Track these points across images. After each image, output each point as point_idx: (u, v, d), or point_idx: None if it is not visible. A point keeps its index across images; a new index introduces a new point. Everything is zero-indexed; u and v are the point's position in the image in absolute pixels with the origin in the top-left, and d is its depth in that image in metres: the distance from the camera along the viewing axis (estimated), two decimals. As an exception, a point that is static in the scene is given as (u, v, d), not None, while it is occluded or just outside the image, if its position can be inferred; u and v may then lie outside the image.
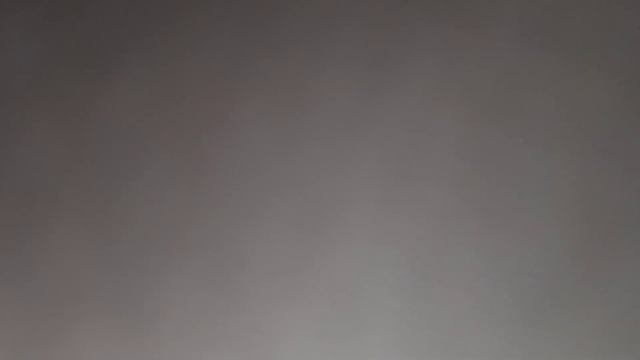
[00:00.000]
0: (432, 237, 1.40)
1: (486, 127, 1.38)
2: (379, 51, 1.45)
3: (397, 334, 1.40)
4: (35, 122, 1.64)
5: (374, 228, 1.42)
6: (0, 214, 1.65)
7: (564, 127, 1.35)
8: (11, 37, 1.68)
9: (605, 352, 1.30)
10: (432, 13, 1.42)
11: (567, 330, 1.32)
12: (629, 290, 1.30)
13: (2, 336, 1.62)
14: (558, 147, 1.35)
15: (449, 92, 1.41)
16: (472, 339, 1.36)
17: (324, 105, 1.47)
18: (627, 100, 1.32)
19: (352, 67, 1.46)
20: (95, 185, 1.59)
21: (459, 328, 1.37)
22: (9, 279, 1.63)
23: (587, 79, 1.34)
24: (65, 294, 1.59)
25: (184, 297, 1.52)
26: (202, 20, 1.56)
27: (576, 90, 1.35)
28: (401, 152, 1.42)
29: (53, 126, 1.63)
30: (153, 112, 1.58)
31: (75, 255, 1.59)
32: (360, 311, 1.42)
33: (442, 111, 1.41)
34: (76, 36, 1.63)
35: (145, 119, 1.58)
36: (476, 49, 1.40)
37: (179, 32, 1.57)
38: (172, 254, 1.54)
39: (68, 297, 1.59)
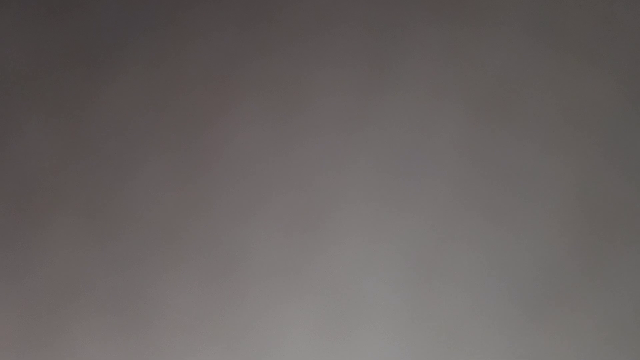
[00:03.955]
0: (431, 234, 1.40)
1: (485, 125, 1.39)
2: (378, 49, 1.45)
3: (395, 331, 1.40)
4: (33, 120, 1.64)
5: (372, 226, 1.43)
6: (-3, 211, 1.65)
7: (563, 125, 1.35)
8: (9, 33, 1.68)
9: (606, 349, 1.30)
10: (431, 11, 1.42)
11: (568, 328, 1.32)
12: (629, 287, 1.30)
13: (1, 334, 1.62)
14: (558, 145, 1.35)
15: (448, 90, 1.41)
16: (472, 336, 1.37)
17: (323, 103, 1.47)
18: (627, 98, 1.32)
19: (351, 64, 1.46)
20: (93, 183, 1.59)
21: (458, 326, 1.37)
22: (7, 276, 1.62)
23: (587, 77, 1.34)
24: (64, 291, 1.59)
25: (182, 295, 1.52)
26: (200, 18, 1.56)
27: (576, 88, 1.35)
28: (400, 150, 1.42)
29: (51, 123, 1.63)
30: (151, 109, 1.57)
31: (74, 253, 1.59)
32: (358, 309, 1.42)
33: (441, 109, 1.41)
34: (74, 33, 1.63)
35: (143, 116, 1.58)
36: (475, 48, 1.40)
37: (177, 29, 1.57)
38: (170, 251, 1.54)
39: (66, 294, 1.59)
